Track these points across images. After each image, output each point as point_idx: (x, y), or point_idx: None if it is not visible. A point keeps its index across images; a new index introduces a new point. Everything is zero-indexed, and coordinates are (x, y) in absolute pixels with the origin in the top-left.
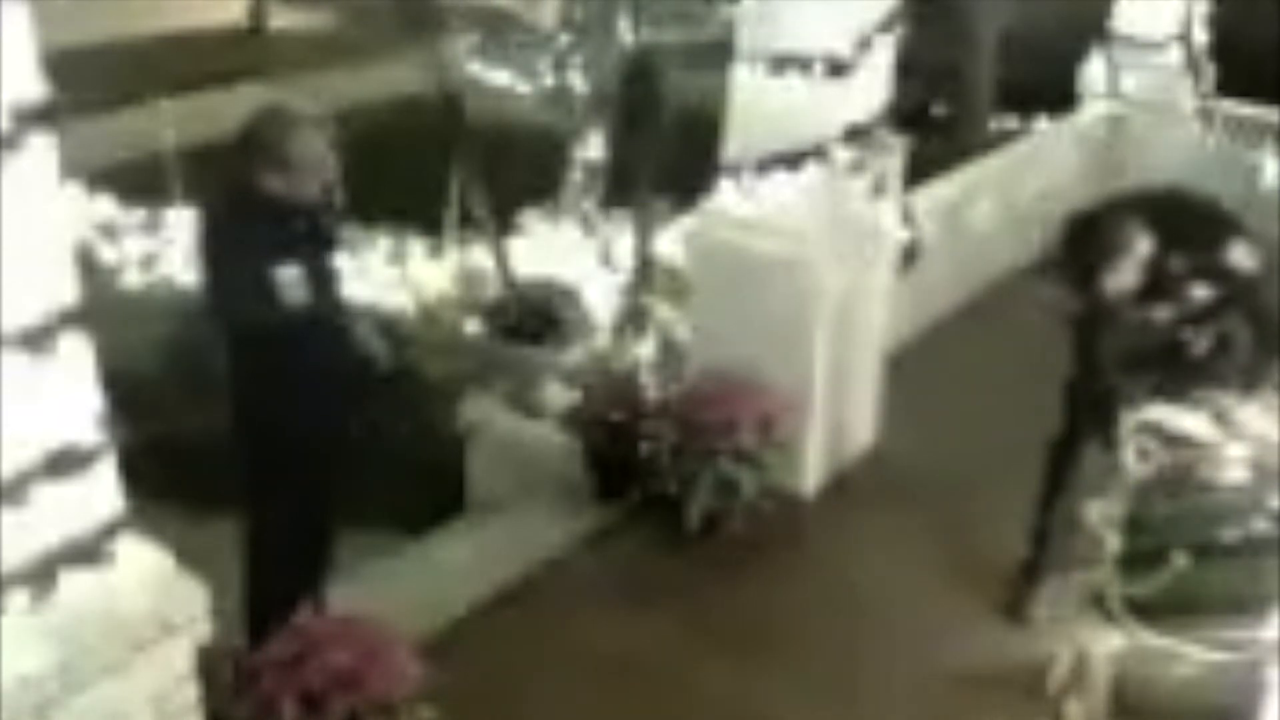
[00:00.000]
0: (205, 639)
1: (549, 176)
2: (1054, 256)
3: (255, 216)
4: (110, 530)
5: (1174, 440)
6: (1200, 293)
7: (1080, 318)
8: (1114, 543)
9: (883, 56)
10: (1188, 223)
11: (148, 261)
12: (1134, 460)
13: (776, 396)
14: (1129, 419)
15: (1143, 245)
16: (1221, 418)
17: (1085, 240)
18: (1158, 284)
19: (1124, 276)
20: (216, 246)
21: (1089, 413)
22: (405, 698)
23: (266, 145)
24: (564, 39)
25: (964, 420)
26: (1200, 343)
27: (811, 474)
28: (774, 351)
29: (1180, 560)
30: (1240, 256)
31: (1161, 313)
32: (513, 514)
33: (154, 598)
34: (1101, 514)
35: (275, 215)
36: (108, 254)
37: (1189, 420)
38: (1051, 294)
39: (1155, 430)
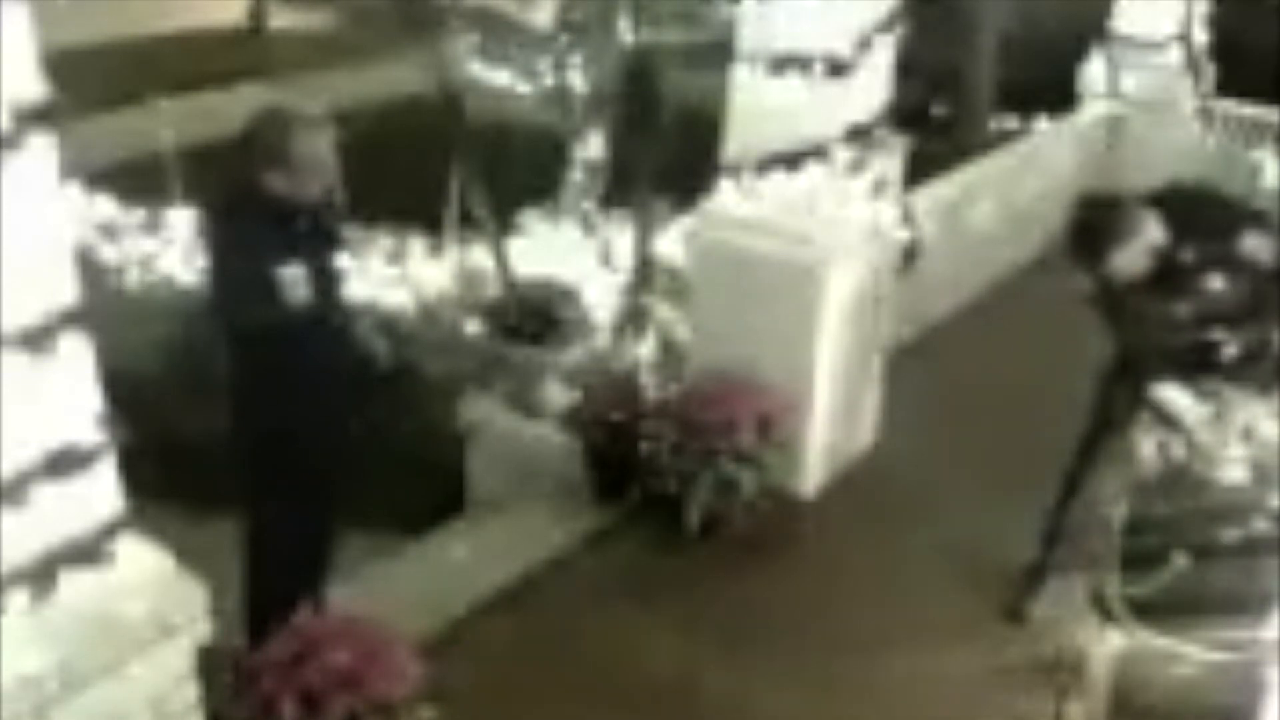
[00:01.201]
0: (205, 639)
1: (549, 176)
2: (1064, 237)
3: (258, 216)
4: (110, 530)
5: (1166, 419)
6: (1217, 285)
7: (1110, 313)
8: (1122, 512)
9: (883, 56)
10: (1199, 214)
11: (148, 261)
12: (1139, 436)
13: (776, 396)
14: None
15: (1152, 231)
16: (1222, 415)
17: (1094, 220)
18: (1170, 275)
19: (1132, 259)
20: (220, 246)
21: (1122, 409)
22: (405, 698)
23: (268, 145)
24: (563, 39)
25: (964, 420)
26: (1232, 346)
27: (811, 474)
28: (774, 351)
29: (1180, 560)
30: (1255, 247)
31: (1181, 309)
32: (513, 514)
33: (154, 598)
34: (1121, 482)
35: (278, 215)
36: (108, 254)
37: (1189, 409)
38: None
39: (1153, 406)
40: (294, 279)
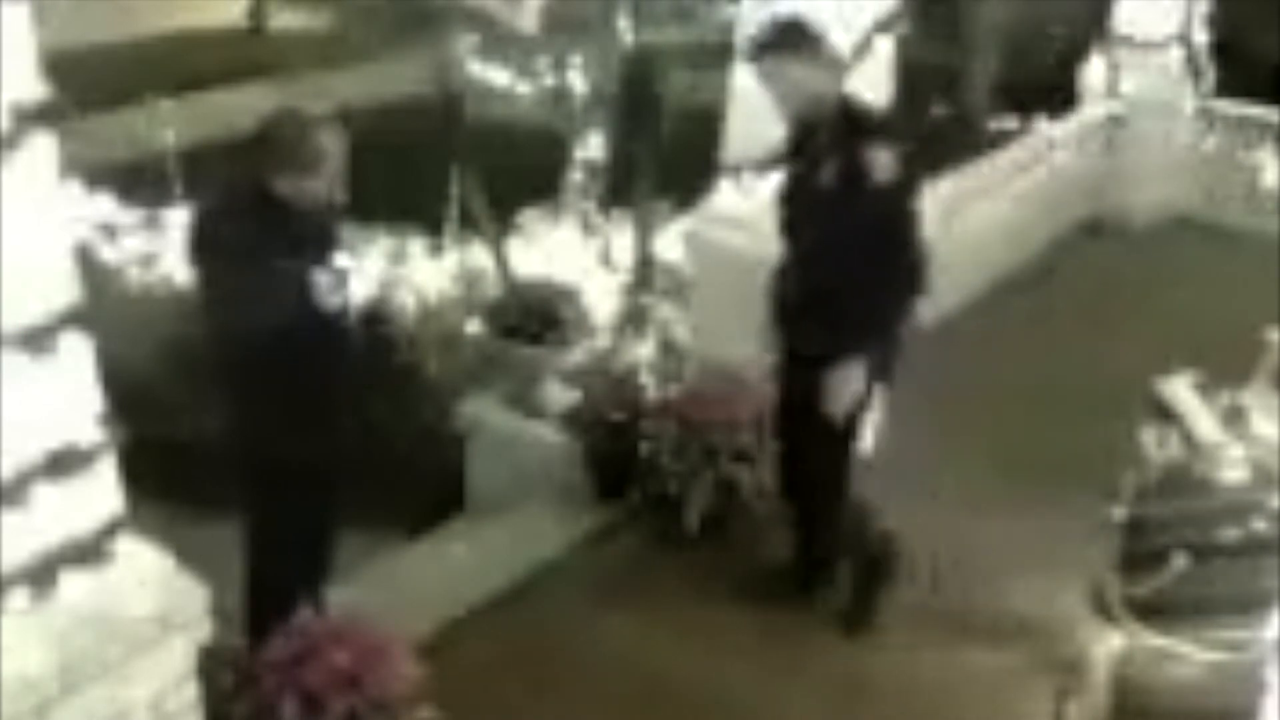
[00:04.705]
0: (205, 639)
1: (549, 176)
2: None
3: (265, 218)
4: (110, 530)
5: (1163, 410)
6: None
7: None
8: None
9: (883, 56)
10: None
11: (148, 261)
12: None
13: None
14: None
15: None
16: (1229, 418)
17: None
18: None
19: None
20: (223, 248)
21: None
22: (405, 698)
23: (283, 147)
24: (561, 39)
25: (964, 420)
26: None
27: None
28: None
29: (1180, 560)
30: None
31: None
32: (512, 514)
33: (154, 598)
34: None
35: (282, 217)
36: (108, 254)
37: (1194, 408)
38: None
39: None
40: (329, 283)
